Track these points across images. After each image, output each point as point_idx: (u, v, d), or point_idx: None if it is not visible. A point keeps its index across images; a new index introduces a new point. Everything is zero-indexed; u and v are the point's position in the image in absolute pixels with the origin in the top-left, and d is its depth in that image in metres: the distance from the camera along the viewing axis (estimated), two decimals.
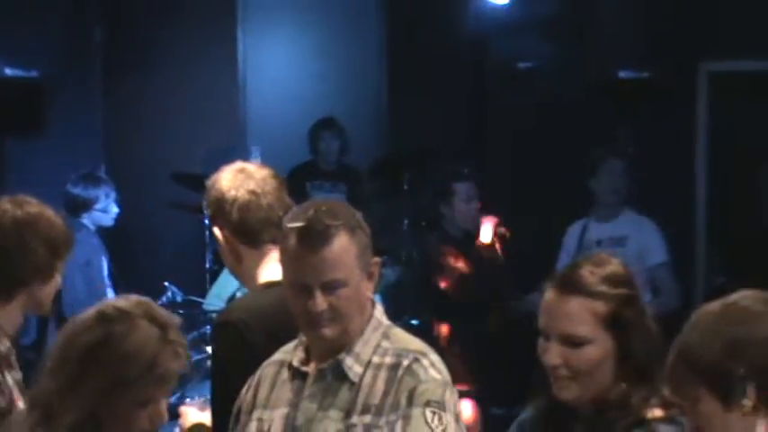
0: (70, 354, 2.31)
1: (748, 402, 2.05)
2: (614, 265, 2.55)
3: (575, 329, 2.46)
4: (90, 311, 2.37)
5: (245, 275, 3.09)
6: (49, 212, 3.04)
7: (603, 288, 2.48)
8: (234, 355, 2.85)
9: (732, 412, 2.06)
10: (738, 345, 2.06)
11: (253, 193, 2.99)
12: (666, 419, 2.39)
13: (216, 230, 3.08)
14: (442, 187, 6.31)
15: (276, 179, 3.05)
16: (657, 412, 2.38)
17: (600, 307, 2.46)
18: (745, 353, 2.06)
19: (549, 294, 2.51)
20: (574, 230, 6.46)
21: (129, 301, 2.39)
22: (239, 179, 3.02)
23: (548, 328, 2.50)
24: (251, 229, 2.99)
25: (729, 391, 2.06)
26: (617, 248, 5.93)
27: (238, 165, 3.09)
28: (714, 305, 2.17)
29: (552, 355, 2.47)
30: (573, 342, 2.46)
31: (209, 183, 3.09)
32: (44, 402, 2.29)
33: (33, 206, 3.02)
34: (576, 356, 2.46)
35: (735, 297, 2.17)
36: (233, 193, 3.00)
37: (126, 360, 2.29)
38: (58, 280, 3.03)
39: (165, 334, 2.34)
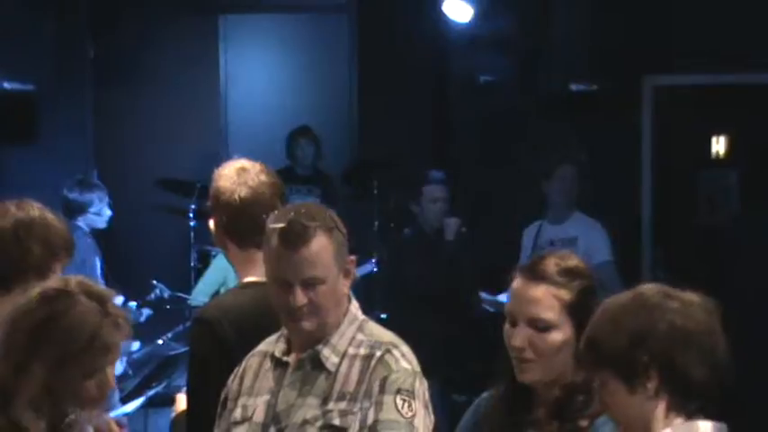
0: (18, 336, 2.30)
1: (651, 387, 2.11)
2: (576, 260, 2.57)
3: (541, 314, 2.47)
4: (32, 293, 2.37)
5: (233, 266, 3.09)
6: (50, 216, 3.04)
7: (568, 278, 2.50)
8: (206, 349, 2.85)
9: (635, 395, 2.12)
10: (641, 335, 2.11)
11: (244, 200, 2.95)
12: None
13: (211, 221, 3.06)
14: (413, 188, 6.31)
15: (272, 187, 3.00)
16: None
17: (564, 295, 2.48)
18: (648, 342, 2.11)
19: (518, 282, 2.52)
20: (530, 231, 6.49)
21: (67, 280, 2.39)
22: (236, 183, 2.97)
23: (515, 312, 2.50)
24: (238, 232, 2.98)
25: (633, 376, 2.11)
26: (568, 248, 5.96)
27: (241, 163, 3.03)
28: (622, 297, 2.22)
29: (518, 338, 2.47)
30: (538, 326, 2.47)
31: (214, 174, 3.05)
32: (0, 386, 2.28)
33: (35, 210, 3.02)
34: (540, 340, 2.46)
35: (641, 289, 2.22)
36: (227, 195, 2.97)
37: (70, 334, 2.28)
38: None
39: (104, 307, 2.33)
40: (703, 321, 2.15)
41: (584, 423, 2.43)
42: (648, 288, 2.22)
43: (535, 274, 2.50)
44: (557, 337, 2.47)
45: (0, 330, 2.37)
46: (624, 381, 2.12)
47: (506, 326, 2.52)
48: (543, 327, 2.47)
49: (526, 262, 2.61)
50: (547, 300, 2.47)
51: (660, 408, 2.11)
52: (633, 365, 2.10)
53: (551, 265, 2.51)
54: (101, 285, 2.42)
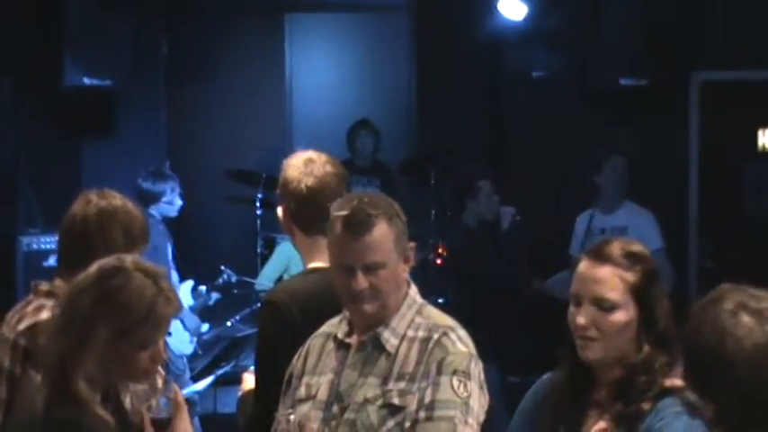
0: (78, 312, 2.31)
1: None
2: (639, 246, 2.54)
3: (606, 294, 2.44)
4: (88, 271, 2.37)
5: (299, 252, 3.10)
6: (130, 206, 3.05)
7: (632, 261, 2.47)
8: (274, 330, 2.85)
9: None
10: None
11: (311, 189, 2.96)
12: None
13: (279, 209, 3.07)
14: (468, 184, 6.28)
15: (337, 177, 3.01)
16: (678, 381, 2.35)
17: (629, 277, 2.45)
18: None
19: (584, 264, 2.50)
20: (582, 219, 6.45)
21: (121, 258, 2.40)
22: (303, 173, 2.98)
23: (581, 292, 2.48)
24: (305, 219, 2.98)
25: None
26: (619, 236, 5.90)
27: (308, 154, 3.04)
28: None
29: (583, 317, 2.45)
30: (603, 306, 2.44)
31: (283, 164, 3.06)
32: (58, 359, 2.28)
33: (117, 199, 3.03)
34: (604, 319, 2.44)
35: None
36: (294, 185, 2.98)
37: (128, 308, 2.30)
38: None
39: (157, 283, 2.35)
40: None
41: (646, 406, 2.39)
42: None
43: (601, 256, 2.47)
44: (620, 317, 2.44)
45: (59, 307, 2.39)
46: None
47: (570, 307, 2.50)
48: (608, 306, 2.44)
49: (591, 246, 2.57)
50: (612, 280, 2.45)
51: None
52: None
53: (617, 248, 2.48)
54: (150, 263, 2.42)
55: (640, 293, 2.45)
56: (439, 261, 6.45)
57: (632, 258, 2.47)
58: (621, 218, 6.29)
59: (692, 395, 2.20)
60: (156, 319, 2.33)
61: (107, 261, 2.39)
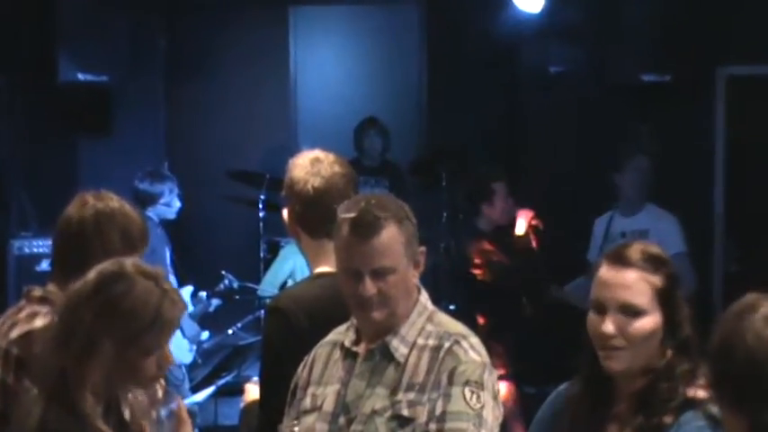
0: (78, 323, 2.29)
1: None
2: (658, 249, 2.52)
3: (633, 299, 2.42)
4: (87, 279, 2.36)
5: (305, 256, 3.10)
6: (129, 208, 3.05)
7: (655, 265, 2.45)
8: (280, 338, 2.86)
9: None
10: None
11: (317, 190, 2.96)
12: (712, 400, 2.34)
13: (284, 211, 3.08)
14: (482, 186, 6.28)
15: (345, 177, 3.01)
16: (701, 392, 2.34)
17: (656, 281, 2.43)
18: None
19: (606, 269, 2.46)
20: (601, 222, 6.44)
21: (120, 262, 2.39)
22: (310, 173, 2.99)
23: (605, 299, 2.44)
24: (311, 222, 2.99)
25: None
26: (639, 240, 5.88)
27: (315, 154, 3.05)
28: None
29: (609, 324, 2.42)
30: (630, 312, 2.42)
31: (288, 164, 3.07)
32: (56, 373, 2.28)
33: (114, 201, 3.04)
34: (631, 326, 2.41)
35: None
36: (300, 186, 2.98)
37: (134, 314, 2.29)
38: None
39: (159, 285, 2.34)
40: None
41: (668, 419, 2.37)
42: None
43: (623, 260, 2.45)
44: (647, 323, 2.42)
45: (57, 318, 2.38)
46: None
47: (591, 315, 2.47)
48: (635, 312, 2.42)
49: (610, 250, 2.54)
50: (639, 285, 2.42)
51: None
52: None
53: (637, 251, 2.46)
54: (149, 265, 2.41)
55: (665, 298, 2.43)
56: (478, 271, 6.29)
57: (655, 262, 2.45)
58: (643, 221, 6.28)
59: (715, 408, 2.19)
60: (163, 323, 2.32)
61: (106, 266, 2.38)
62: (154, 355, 2.33)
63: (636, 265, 2.44)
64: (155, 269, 2.39)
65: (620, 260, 2.46)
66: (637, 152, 6.51)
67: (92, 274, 2.37)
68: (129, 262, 2.40)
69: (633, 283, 2.43)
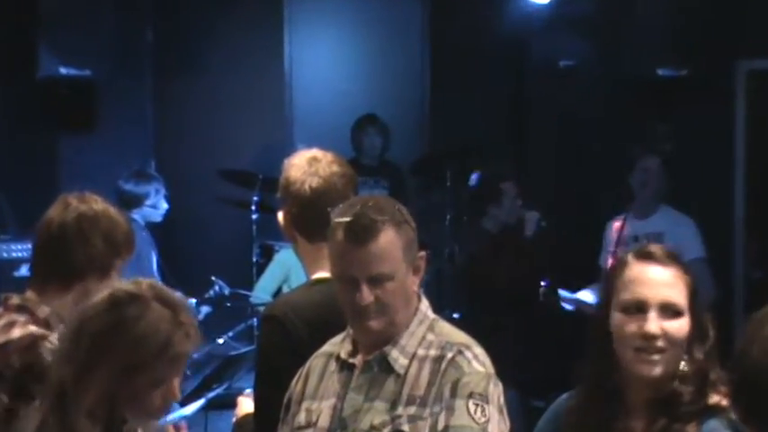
0: (84, 339, 2.30)
1: None
2: (675, 250, 2.54)
3: (676, 298, 2.42)
4: (101, 295, 2.37)
5: (302, 261, 3.10)
6: (113, 211, 3.06)
7: (684, 266, 2.46)
8: (276, 348, 2.86)
9: None
10: None
11: (315, 191, 2.97)
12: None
13: (279, 213, 3.08)
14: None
15: (344, 177, 3.01)
16: (724, 400, 2.34)
17: (690, 282, 2.44)
18: None
19: (640, 266, 2.46)
20: (613, 226, 6.43)
21: (139, 284, 2.39)
22: (307, 173, 2.99)
23: (646, 297, 2.42)
24: (308, 225, 2.99)
25: None
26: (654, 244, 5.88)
27: (312, 153, 3.05)
28: None
29: (654, 324, 2.40)
30: (671, 311, 2.41)
31: (284, 163, 3.07)
32: (58, 388, 2.29)
33: (98, 203, 3.05)
34: (673, 327, 2.41)
35: None
36: (297, 186, 2.99)
37: (140, 343, 2.29)
38: (114, 278, 3.03)
39: (176, 316, 2.34)
40: None
41: (691, 429, 2.37)
42: None
43: (658, 258, 2.44)
44: (685, 325, 2.42)
45: (65, 332, 2.40)
46: None
47: (620, 316, 2.45)
48: (675, 312, 2.42)
49: (635, 249, 2.53)
50: (679, 284, 2.43)
51: None
52: None
53: (664, 250, 2.46)
54: (173, 292, 2.41)
55: (695, 300, 2.44)
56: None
57: (682, 263, 2.46)
58: (657, 223, 6.28)
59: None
60: (172, 355, 2.32)
61: (122, 286, 2.39)
62: (160, 387, 2.33)
63: (672, 264, 2.44)
64: (176, 297, 2.39)
65: (654, 258, 2.45)
66: (648, 152, 6.51)
67: (106, 292, 2.38)
68: (147, 284, 2.39)
69: (675, 282, 2.43)
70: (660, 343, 2.40)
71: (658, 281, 2.43)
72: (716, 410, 2.36)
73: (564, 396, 2.62)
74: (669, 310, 2.41)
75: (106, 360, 2.28)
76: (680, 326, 2.41)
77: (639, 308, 2.43)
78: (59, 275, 2.98)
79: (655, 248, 2.48)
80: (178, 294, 2.42)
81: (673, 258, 2.46)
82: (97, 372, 2.27)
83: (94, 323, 2.32)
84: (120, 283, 2.42)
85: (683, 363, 2.42)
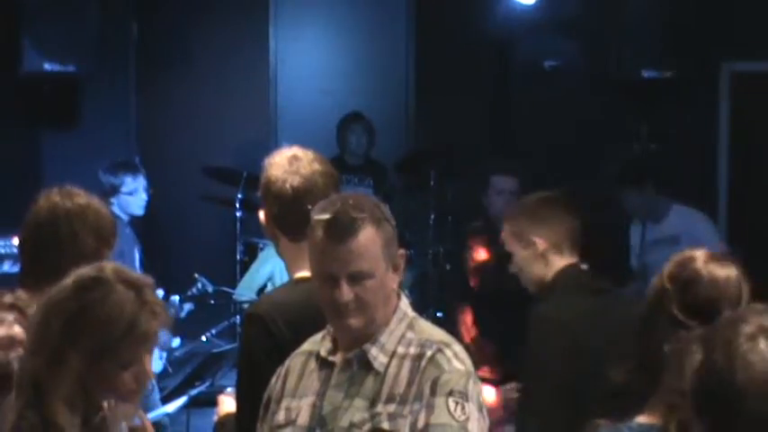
0: (52, 328, 2.31)
1: None
2: None
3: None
4: (65, 282, 2.37)
5: (284, 261, 3.10)
6: (96, 203, 3.08)
7: None
8: (259, 346, 2.85)
9: None
10: None
11: (296, 190, 2.96)
12: None
13: (261, 212, 3.08)
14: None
15: (325, 176, 3.00)
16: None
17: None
18: None
19: (714, 267, 2.45)
20: (635, 231, 6.36)
21: (102, 268, 2.40)
22: (288, 172, 2.98)
23: (719, 299, 2.40)
24: (290, 223, 2.98)
25: None
26: (675, 248, 5.81)
27: (293, 151, 3.04)
28: None
29: None
30: None
31: (265, 162, 3.06)
32: (31, 382, 2.29)
33: (82, 197, 3.06)
34: None
35: None
36: (278, 185, 2.98)
37: (107, 324, 2.30)
38: None
39: (141, 296, 2.35)
40: None
41: None
42: None
43: (720, 257, 2.47)
44: None
45: (32, 322, 2.40)
46: None
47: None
48: None
49: (700, 251, 2.51)
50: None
51: None
52: None
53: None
54: (136, 272, 2.43)
55: None
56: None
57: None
58: (672, 226, 6.14)
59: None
60: (140, 334, 2.32)
61: (85, 271, 2.39)
62: (130, 368, 2.34)
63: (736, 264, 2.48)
64: (140, 277, 2.40)
65: (719, 258, 2.48)
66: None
67: (69, 279, 2.38)
68: (111, 268, 2.40)
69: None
70: None
71: (732, 280, 2.46)
72: None
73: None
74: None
75: (76, 345, 2.28)
76: None
77: (714, 310, 2.34)
78: (51, 273, 2.98)
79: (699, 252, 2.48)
80: (142, 275, 2.42)
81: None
82: (69, 358, 2.27)
83: (60, 310, 2.32)
84: (84, 268, 2.42)
85: None
